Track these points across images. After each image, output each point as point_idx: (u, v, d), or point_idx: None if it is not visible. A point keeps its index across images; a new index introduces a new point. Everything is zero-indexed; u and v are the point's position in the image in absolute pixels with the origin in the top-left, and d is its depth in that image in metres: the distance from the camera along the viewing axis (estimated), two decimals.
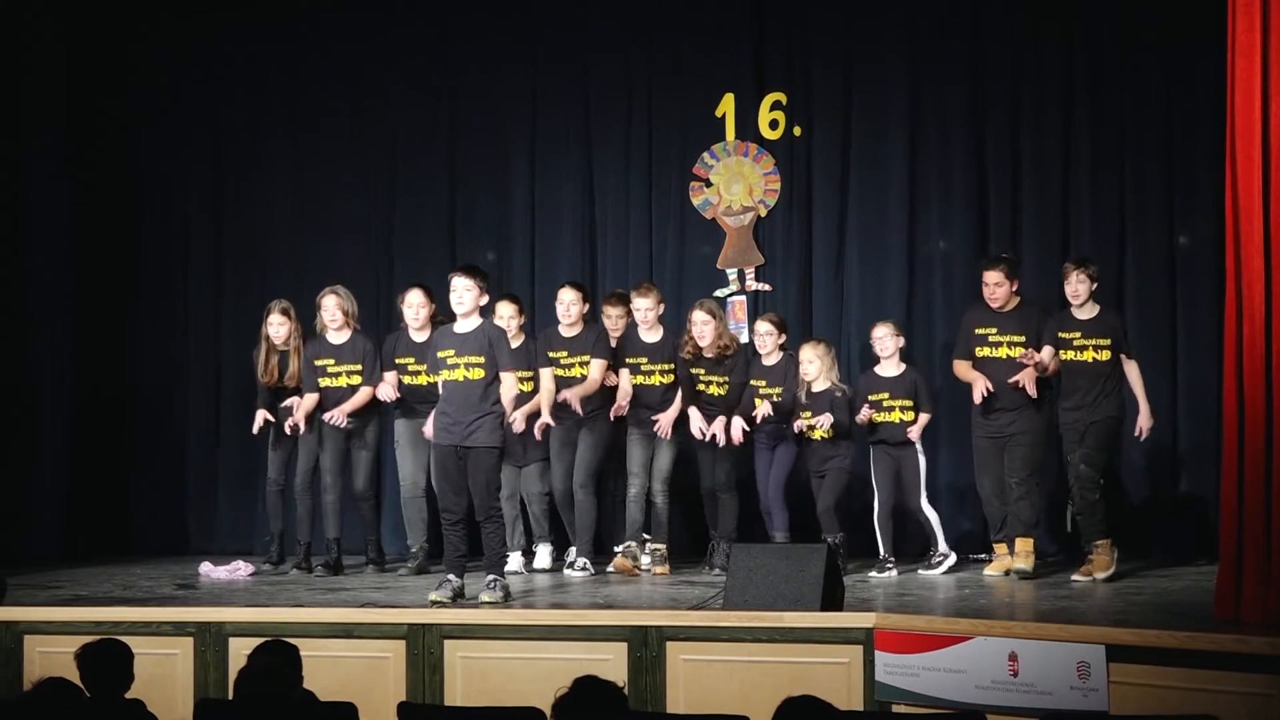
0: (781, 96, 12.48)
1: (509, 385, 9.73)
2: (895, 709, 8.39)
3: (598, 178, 12.87)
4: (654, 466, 11.12)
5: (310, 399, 11.28)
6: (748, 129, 12.53)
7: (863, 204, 12.29)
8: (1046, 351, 10.44)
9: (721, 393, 11.06)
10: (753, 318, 12.21)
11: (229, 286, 13.17)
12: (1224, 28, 8.34)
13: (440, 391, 9.89)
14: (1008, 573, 10.48)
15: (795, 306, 12.30)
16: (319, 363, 11.31)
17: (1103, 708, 7.72)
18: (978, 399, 10.56)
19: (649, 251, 12.72)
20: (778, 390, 11.00)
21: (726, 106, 12.57)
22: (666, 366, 11.14)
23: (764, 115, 12.49)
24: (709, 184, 12.59)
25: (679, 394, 11.10)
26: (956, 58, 12.11)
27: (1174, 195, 11.65)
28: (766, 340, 11.17)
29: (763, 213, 12.48)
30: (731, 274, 12.51)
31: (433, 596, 9.57)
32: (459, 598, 9.59)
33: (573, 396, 10.79)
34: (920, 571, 10.83)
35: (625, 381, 11.15)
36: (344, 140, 13.26)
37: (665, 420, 11.02)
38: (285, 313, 11.52)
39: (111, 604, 9.91)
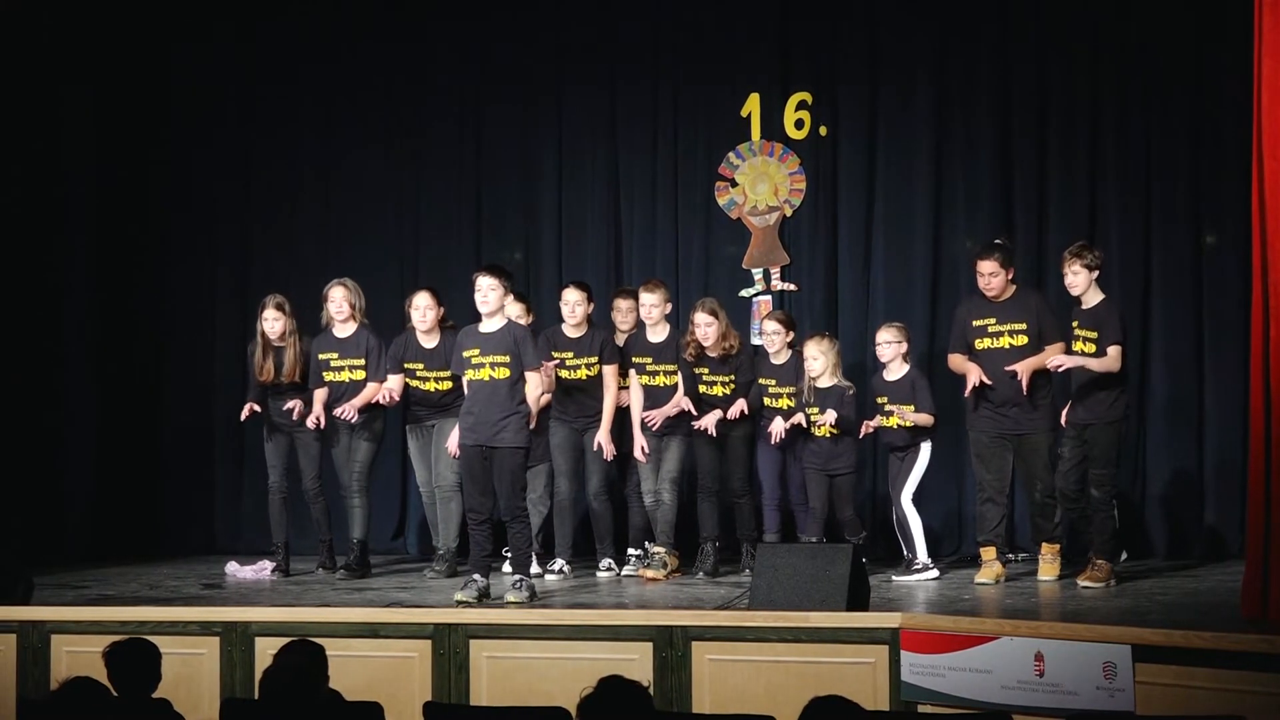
0: (807, 96, 12.46)
1: (534, 385, 9.76)
2: (921, 709, 8.37)
3: (624, 177, 12.87)
4: (661, 468, 10.92)
5: (322, 394, 11.14)
6: (773, 129, 12.51)
7: (888, 204, 12.27)
8: (1068, 357, 9.97)
9: (726, 393, 10.85)
10: None
11: (256, 285, 13.14)
12: (1250, 28, 8.33)
13: (465, 391, 9.91)
14: (998, 580, 10.12)
15: (820, 306, 12.29)
16: (323, 356, 11.20)
17: (1129, 708, 7.69)
18: (968, 391, 10.27)
19: (675, 251, 12.70)
20: (788, 390, 10.83)
21: (752, 106, 12.56)
22: (671, 367, 10.97)
23: (789, 115, 12.48)
24: (734, 184, 12.58)
25: (677, 392, 10.91)
26: (983, 57, 12.08)
27: (1200, 195, 11.60)
28: (775, 339, 11.00)
29: (788, 212, 12.47)
30: (757, 274, 12.49)
31: (458, 596, 9.60)
32: (485, 597, 9.61)
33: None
34: (895, 578, 10.44)
35: (636, 385, 10.99)
36: (372, 142, 13.30)
37: (658, 412, 10.80)
38: (280, 307, 11.26)
39: (138, 604, 9.95)
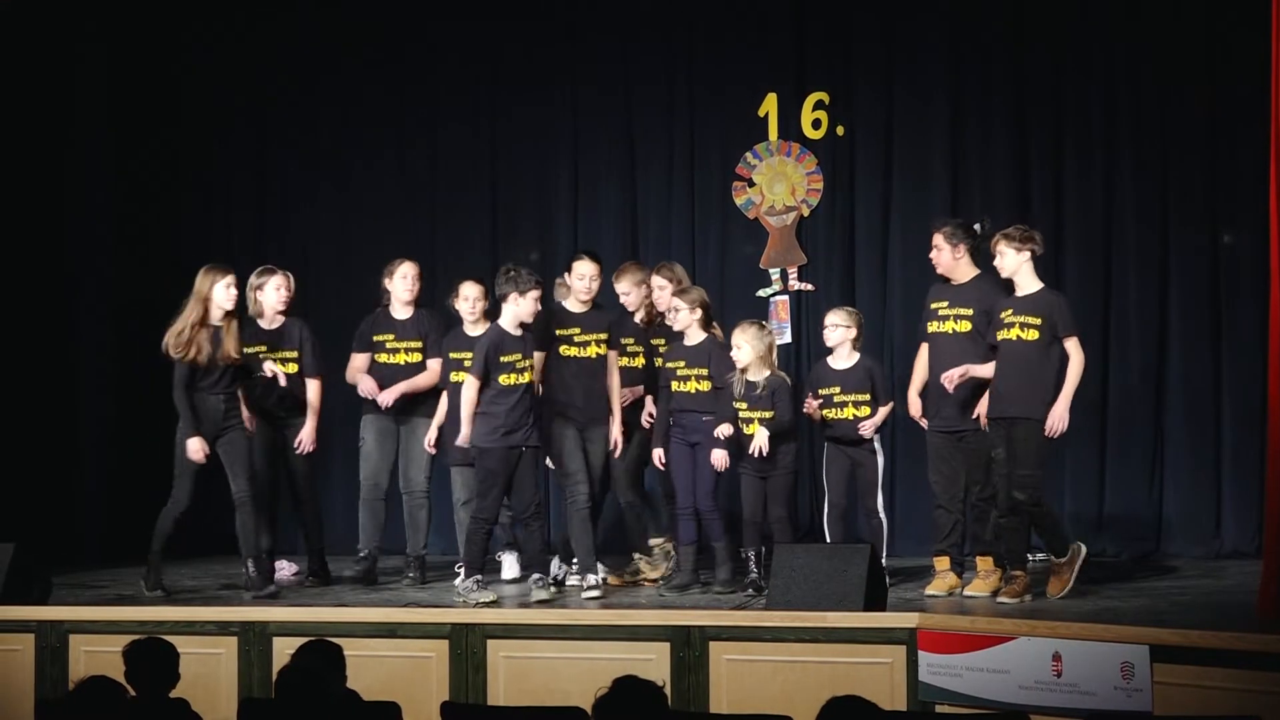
0: (824, 96, 12.45)
1: None
2: (939, 709, 8.36)
3: (640, 177, 12.88)
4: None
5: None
6: (790, 129, 12.50)
7: (905, 204, 12.25)
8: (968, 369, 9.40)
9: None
10: (795, 317, 12.23)
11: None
12: (1268, 26, 8.31)
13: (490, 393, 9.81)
14: (951, 592, 9.53)
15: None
16: (249, 350, 10.39)
17: (1146, 708, 7.68)
18: (914, 412, 9.88)
19: (691, 251, 12.68)
20: (697, 372, 9.85)
21: (769, 106, 12.55)
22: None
23: (806, 115, 12.47)
24: (751, 184, 12.57)
25: (626, 396, 10.29)
26: (998, 57, 12.06)
27: (1218, 193, 11.56)
28: (679, 318, 9.93)
29: (805, 213, 12.46)
30: (774, 274, 12.49)
31: (480, 598, 9.58)
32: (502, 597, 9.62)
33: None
34: None
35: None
36: (388, 144, 13.34)
37: (614, 434, 10.18)
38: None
39: (156, 603, 9.98)
